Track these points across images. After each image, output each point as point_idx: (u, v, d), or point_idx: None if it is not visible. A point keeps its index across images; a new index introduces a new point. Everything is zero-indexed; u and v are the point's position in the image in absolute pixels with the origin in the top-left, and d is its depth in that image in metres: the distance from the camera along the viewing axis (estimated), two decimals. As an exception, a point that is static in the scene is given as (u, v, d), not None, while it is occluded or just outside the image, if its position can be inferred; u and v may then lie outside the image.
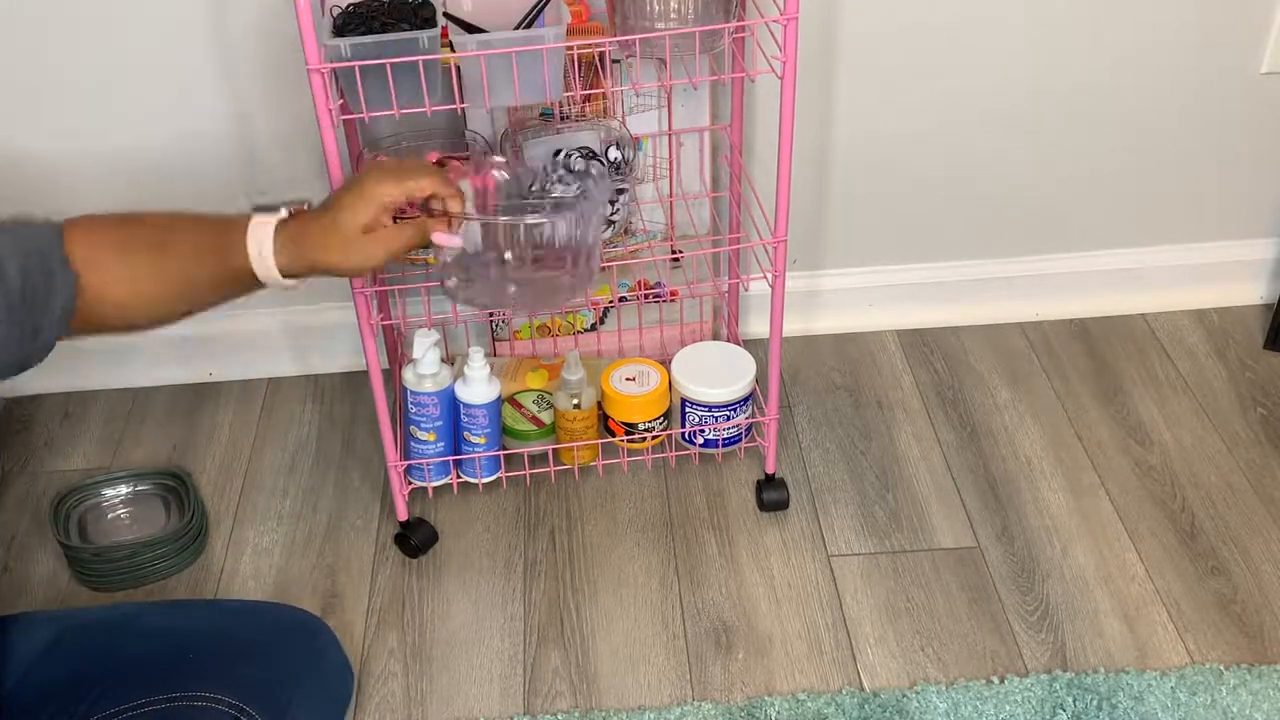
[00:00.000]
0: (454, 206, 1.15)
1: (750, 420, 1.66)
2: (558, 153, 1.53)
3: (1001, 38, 1.71)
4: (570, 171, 1.51)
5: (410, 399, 1.54)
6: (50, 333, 1.02)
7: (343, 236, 1.09)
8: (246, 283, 1.10)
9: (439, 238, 1.15)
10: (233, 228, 1.09)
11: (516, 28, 1.34)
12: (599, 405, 1.64)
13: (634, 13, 1.38)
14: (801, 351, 1.92)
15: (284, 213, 1.10)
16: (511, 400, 1.67)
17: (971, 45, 1.72)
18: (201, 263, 1.09)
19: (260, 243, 1.08)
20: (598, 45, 1.36)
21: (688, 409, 1.63)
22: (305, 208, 1.13)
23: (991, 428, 1.77)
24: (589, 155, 1.52)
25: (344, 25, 1.31)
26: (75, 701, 1.09)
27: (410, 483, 1.60)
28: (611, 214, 1.51)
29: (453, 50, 1.30)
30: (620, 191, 1.51)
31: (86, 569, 1.55)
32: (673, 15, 1.37)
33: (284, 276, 1.10)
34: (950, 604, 1.51)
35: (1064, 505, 1.64)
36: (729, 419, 1.63)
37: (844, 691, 1.40)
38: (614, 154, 1.52)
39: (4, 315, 0.96)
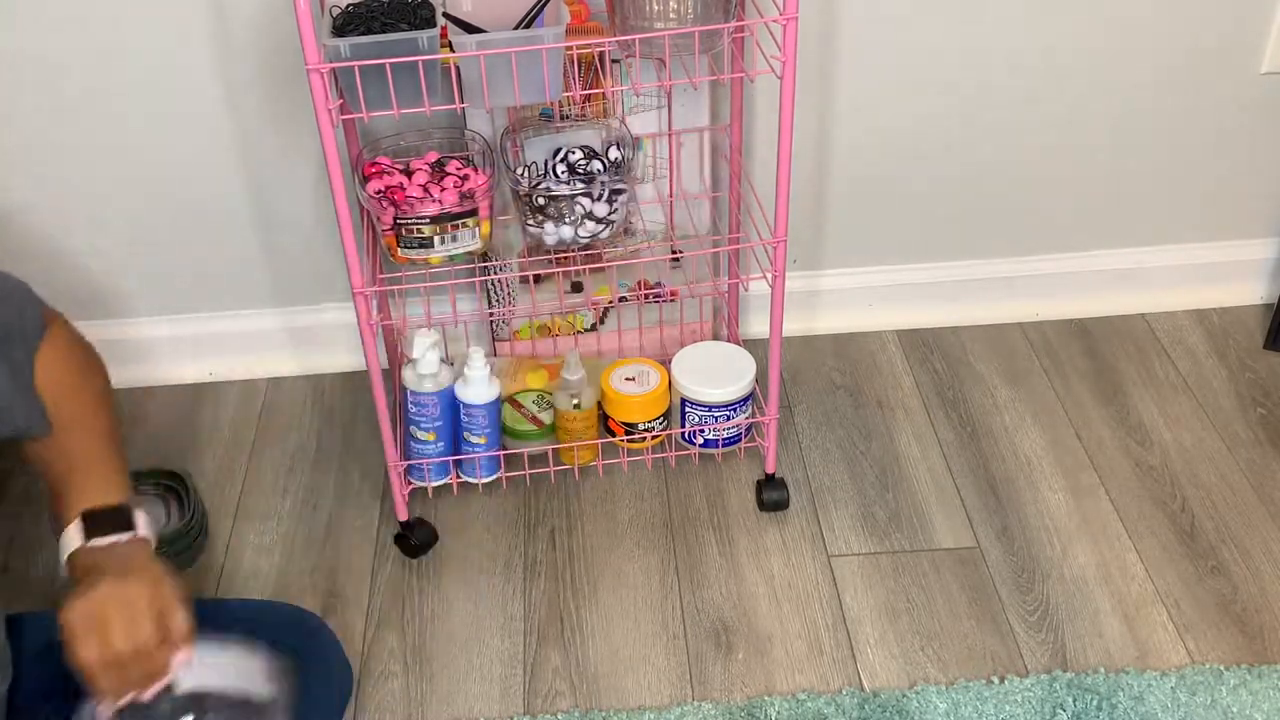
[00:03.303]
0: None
1: (750, 420, 1.66)
2: (557, 151, 1.53)
3: (1001, 38, 1.71)
4: (571, 170, 1.51)
5: (410, 399, 1.54)
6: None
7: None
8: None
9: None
10: (66, 509, 1.07)
11: (516, 28, 1.34)
12: (599, 405, 1.64)
13: (634, 13, 1.38)
14: (801, 351, 1.92)
15: (78, 544, 1.05)
16: (511, 400, 1.67)
17: (971, 46, 1.72)
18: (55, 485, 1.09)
19: (66, 546, 1.05)
20: (597, 45, 1.36)
21: (688, 409, 1.63)
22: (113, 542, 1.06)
23: (991, 428, 1.77)
24: (590, 154, 1.52)
25: (343, 25, 1.31)
26: (76, 700, 1.09)
27: (410, 483, 1.60)
28: (610, 213, 1.51)
29: (452, 50, 1.30)
30: (618, 192, 1.51)
31: (86, 569, 1.55)
32: (672, 15, 1.37)
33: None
34: (950, 604, 1.51)
35: (1064, 505, 1.64)
36: (729, 419, 1.63)
37: (844, 691, 1.40)
38: (614, 154, 1.52)
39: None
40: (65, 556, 1.06)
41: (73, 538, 1.06)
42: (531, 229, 1.52)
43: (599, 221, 1.50)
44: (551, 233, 1.51)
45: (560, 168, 1.51)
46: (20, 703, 1.09)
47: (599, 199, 1.49)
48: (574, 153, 1.52)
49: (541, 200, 1.49)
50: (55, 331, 1.12)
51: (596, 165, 1.51)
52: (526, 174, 1.52)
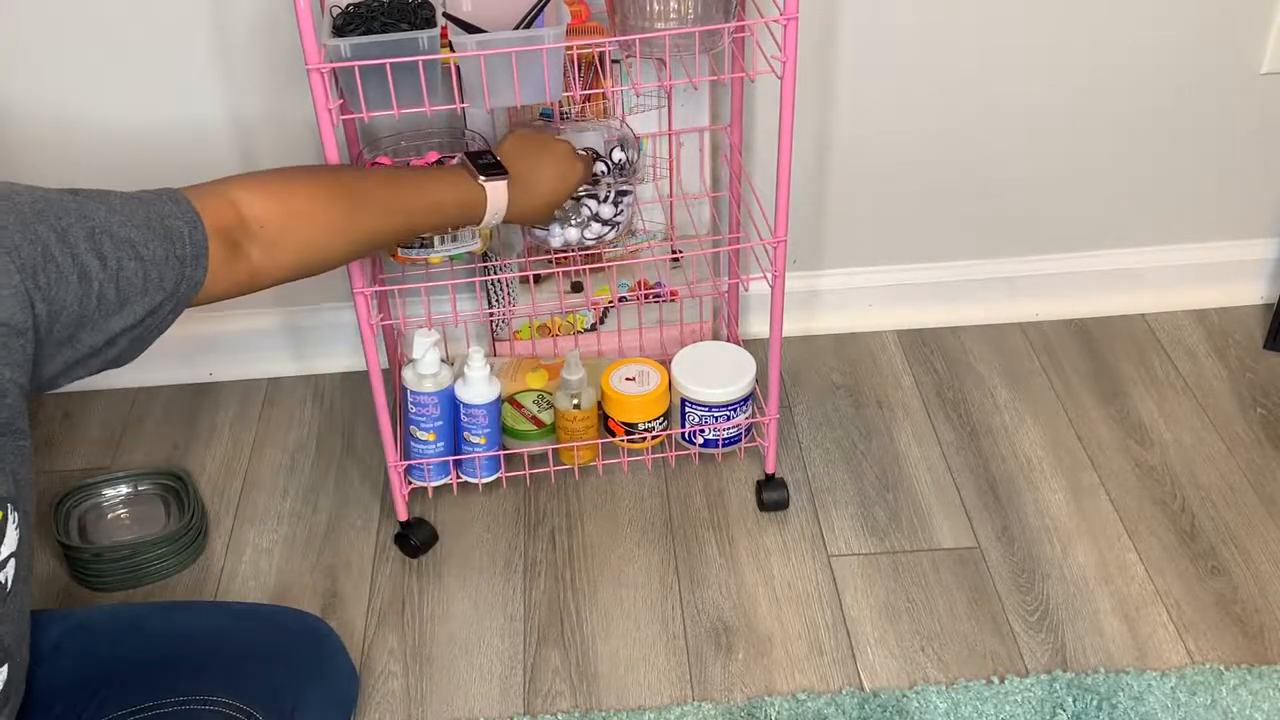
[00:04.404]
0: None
1: (750, 420, 1.66)
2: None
3: (1001, 38, 1.71)
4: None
5: (410, 399, 1.54)
6: (179, 307, 1.06)
7: (548, 209, 1.38)
8: (459, 225, 1.35)
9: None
10: (469, 190, 1.28)
11: (516, 28, 1.34)
12: (599, 405, 1.64)
13: (634, 13, 1.38)
14: (801, 351, 1.92)
15: (506, 179, 1.30)
16: (511, 400, 1.68)
17: (971, 46, 1.72)
18: (431, 217, 1.29)
19: (497, 204, 1.30)
20: (598, 45, 1.36)
21: (688, 409, 1.63)
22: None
23: (991, 428, 1.77)
24: (594, 156, 1.52)
25: (344, 25, 1.31)
26: (83, 702, 1.09)
27: (410, 483, 1.60)
28: (615, 215, 1.51)
29: (452, 50, 1.30)
30: (624, 193, 1.51)
31: (86, 569, 1.55)
32: (672, 15, 1.37)
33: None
34: (950, 604, 1.51)
35: (1064, 505, 1.64)
36: (729, 419, 1.63)
37: (844, 691, 1.40)
38: (618, 155, 1.52)
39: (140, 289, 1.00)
40: (502, 205, 1.30)
41: (498, 189, 1.29)
42: (537, 231, 1.52)
43: (605, 224, 1.50)
44: (557, 235, 1.50)
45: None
46: (28, 703, 1.09)
47: (605, 201, 1.49)
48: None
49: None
50: (213, 250, 1.06)
51: (601, 167, 1.51)
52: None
